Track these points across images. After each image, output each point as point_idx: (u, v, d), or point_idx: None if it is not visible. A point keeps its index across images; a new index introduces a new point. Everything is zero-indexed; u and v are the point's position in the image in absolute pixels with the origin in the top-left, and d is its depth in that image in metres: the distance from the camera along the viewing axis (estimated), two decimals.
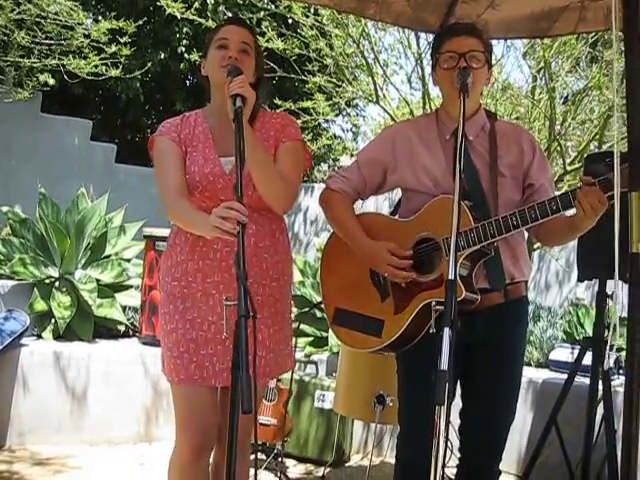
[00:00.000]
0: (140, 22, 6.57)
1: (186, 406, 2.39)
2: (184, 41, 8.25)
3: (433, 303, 2.27)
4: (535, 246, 5.18)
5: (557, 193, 2.32)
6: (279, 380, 3.98)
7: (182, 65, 8.41)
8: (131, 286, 5.01)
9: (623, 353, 3.53)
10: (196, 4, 6.85)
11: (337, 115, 8.60)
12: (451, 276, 1.97)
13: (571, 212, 2.27)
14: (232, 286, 2.29)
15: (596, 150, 5.61)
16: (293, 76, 6.24)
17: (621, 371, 3.95)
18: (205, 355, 2.35)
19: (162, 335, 2.45)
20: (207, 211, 2.20)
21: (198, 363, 2.35)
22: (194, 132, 2.44)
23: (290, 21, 6.64)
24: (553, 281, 6.38)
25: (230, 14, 7.96)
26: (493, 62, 2.54)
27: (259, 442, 3.95)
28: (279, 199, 2.35)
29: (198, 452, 2.39)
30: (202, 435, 2.38)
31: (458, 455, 2.58)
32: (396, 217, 2.58)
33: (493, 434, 2.49)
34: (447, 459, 2.46)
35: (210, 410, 2.41)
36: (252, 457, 2.64)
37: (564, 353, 4.35)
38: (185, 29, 8.16)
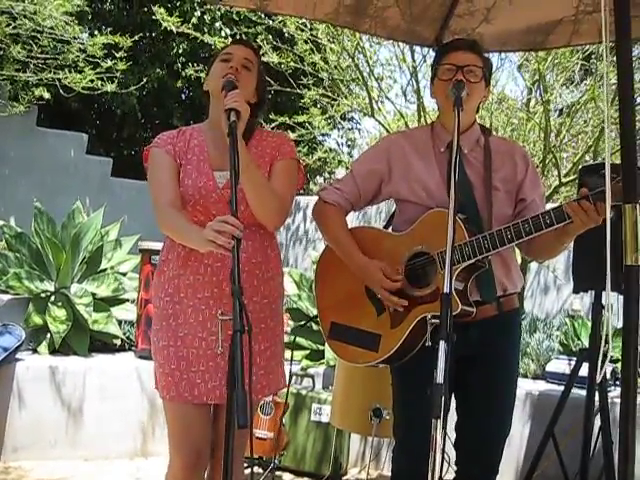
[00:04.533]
0: (136, 37, 6.59)
1: (178, 424, 2.39)
2: (181, 57, 8.29)
3: (428, 316, 2.27)
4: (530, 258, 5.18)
5: (551, 205, 2.32)
6: (275, 394, 3.97)
7: (179, 81, 8.45)
8: (127, 300, 5.00)
9: (619, 364, 3.53)
10: (193, 19, 6.89)
11: (332, 128, 8.62)
12: (446, 290, 1.97)
13: None
14: (222, 301, 2.30)
15: (591, 161, 5.62)
16: (288, 90, 6.26)
17: (617, 382, 3.95)
18: (196, 372, 2.34)
19: (154, 351, 2.44)
20: (199, 225, 2.21)
21: (189, 380, 2.34)
22: (189, 145, 2.44)
23: (285, 35, 6.67)
24: (549, 292, 6.38)
25: (227, 30, 8.01)
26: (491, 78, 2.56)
27: (255, 456, 3.93)
28: (271, 216, 2.35)
29: (192, 469, 2.38)
30: (195, 452, 2.37)
31: (455, 468, 2.57)
32: (390, 230, 2.59)
33: (488, 447, 2.49)
34: (444, 473, 2.46)
35: (203, 427, 2.40)
36: (248, 471, 2.63)
37: (561, 365, 4.34)
38: (182, 45, 8.19)
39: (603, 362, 2.17)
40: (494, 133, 2.68)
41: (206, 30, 7.39)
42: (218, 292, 2.34)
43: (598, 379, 3.13)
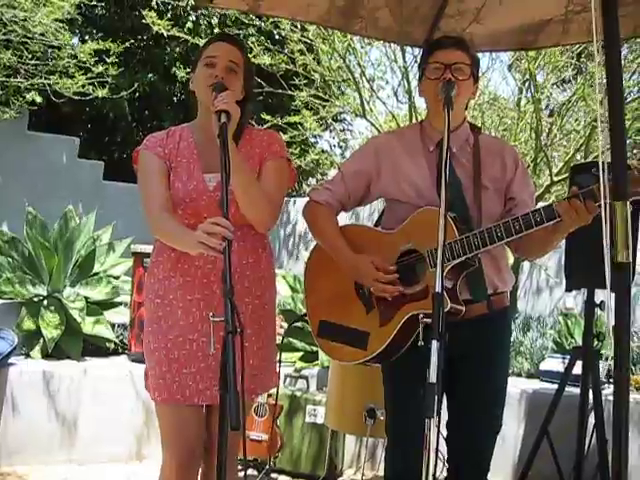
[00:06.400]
0: (127, 44, 6.59)
1: (170, 425, 2.39)
2: (172, 60, 8.29)
3: (421, 316, 2.27)
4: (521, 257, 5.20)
5: (542, 204, 2.33)
6: (270, 395, 3.97)
7: (170, 84, 8.45)
8: (120, 303, 4.99)
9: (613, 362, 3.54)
10: (189, 24, 6.88)
11: (324, 130, 8.63)
12: (438, 289, 1.97)
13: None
14: (213, 303, 2.30)
15: (582, 160, 5.65)
16: (280, 91, 6.26)
17: (611, 380, 3.96)
18: (187, 374, 2.34)
19: (146, 353, 2.44)
20: (190, 228, 2.21)
21: (180, 382, 2.34)
22: (179, 147, 2.43)
23: (277, 37, 6.68)
24: (542, 291, 6.40)
25: (217, 31, 8.01)
26: (479, 75, 2.56)
27: (250, 458, 3.93)
28: (262, 217, 2.34)
29: (185, 469, 2.38)
30: (188, 452, 2.38)
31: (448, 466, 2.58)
32: (379, 228, 2.59)
33: (479, 444, 2.50)
34: (439, 473, 2.46)
35: (195, 427, 2.40)
36: (242, 474, 2.63)
37: (554, 363, 4.35)
38: (174, 48, 8.20)
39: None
40: (486, 132, 2.68)
41: (202, 37, 7.40)
42: (209, 294, 2.34)
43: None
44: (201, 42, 6.13)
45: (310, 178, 10.53)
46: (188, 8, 7.93)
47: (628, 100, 5.47)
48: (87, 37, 7.86)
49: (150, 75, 8.36)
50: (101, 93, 6.42)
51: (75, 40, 7.72)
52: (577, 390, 3.38)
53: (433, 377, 1.87)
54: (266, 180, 2.37)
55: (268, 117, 6.26)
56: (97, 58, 6.46)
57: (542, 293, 6.36)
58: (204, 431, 2.44)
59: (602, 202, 2.04)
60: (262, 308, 2.42)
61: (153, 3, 7.77)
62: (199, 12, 8.06)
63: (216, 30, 8.06)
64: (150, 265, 2.47)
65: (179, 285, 2.36)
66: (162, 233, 2.36)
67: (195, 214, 2.34)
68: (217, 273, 2.30)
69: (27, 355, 4.50)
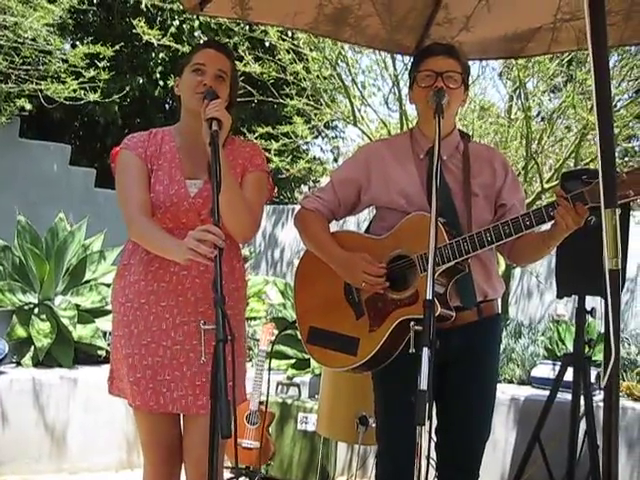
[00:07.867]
0: (117, 47, 6.59)
1: (146, 431, 2.40)
2: (159, 67, 8.30)
3: (412, 323, 2.26)
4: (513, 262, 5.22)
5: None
6: (261, 403, 3.96)
7: (161, 90, 8.45)
8: (111, 311, 4.96)
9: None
10: (172, 29, 6.88)
11: (316, 137, 8.64)
12: (429, 296, 1.97)
13: (543, 227, 2.30)
14: (186, 311, 2.30)
15: (573, 167, 5.68)
16: (271, 100, 6.27)
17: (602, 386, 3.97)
18: (162, 381, 2.32)
19: (117, 357, 2.40)
20: (167, 232, 2.23)
21: (155, 389, 2.32)
22: (160, 150, 2.40)
23: (267, 45, 6.69)
24: (533, 298, 6.42)
25: (206, 39, 8.01)
26: (469, 83, 2.58)
27: (242, 466, 3.92)
28: (242, 228, 2.33)
29: (166, 471, 2.40)
30: (166, 459, 2.39)
31: None
32: (369, 234, 2.58)
33: (468, 451, 2.50)
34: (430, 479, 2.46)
35: (171, 433, 2.40)
36: None
37: (546, 370, 4.36)
38: (161, 54, 8.20)
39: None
40: (477, 140, 2.70)
41: (185, 39, 7.40)
42: (183, 300, 2.31)
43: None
44: (189, 50, 6.14)
45: (302, 185, 10.54)
46: (173, 13, 7.94)
47: (618, 107, 5.50)
48: (78, 42, 7.85)
49: (140, 81, 8.37)
50: (93, 97, 6.41)
51: (67, 46, 7.71)
52: (568, 396, 3.39)
53: (424, 384, 1.88)
54: (247, 191, 2.36)
55: (259, 127, 6.27)
56: (88, 61, 6.46)
57: (533, 300, 6.38)
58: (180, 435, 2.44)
59: (602, 208, 2.04)
60: (235, 319, 2.36)
61: (142, 6, 7.77)
62: (183, 17, 8.07)
63: (197, 34, 8.08)
64: (120, 268, 2.43)
65: (152, 290, 2.33)
66: (143, 238, 2.32)
67: (174, 219, 2.33)
68: (191, 280, 2.30)
69: (18, 363, 4.48)
